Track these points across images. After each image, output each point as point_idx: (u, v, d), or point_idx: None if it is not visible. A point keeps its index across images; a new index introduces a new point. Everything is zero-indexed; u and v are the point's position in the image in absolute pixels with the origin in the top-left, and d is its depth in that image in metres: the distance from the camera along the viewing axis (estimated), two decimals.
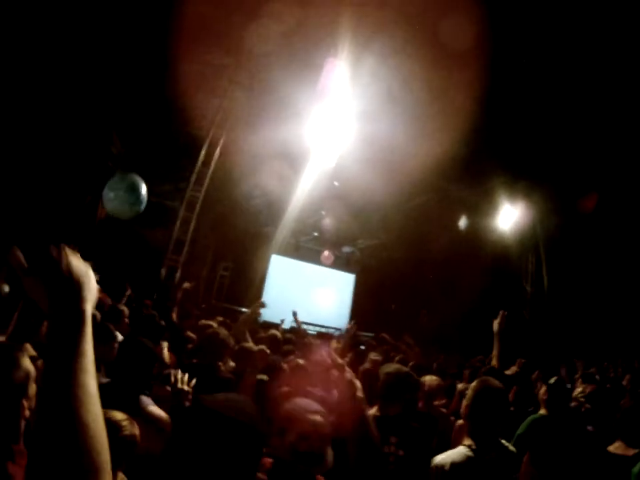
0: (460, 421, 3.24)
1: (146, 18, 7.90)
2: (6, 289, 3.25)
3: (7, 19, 6.42)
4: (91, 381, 0.83)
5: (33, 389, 1.60)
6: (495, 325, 4.15)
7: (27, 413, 1.55)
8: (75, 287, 0.93)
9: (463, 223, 13.48)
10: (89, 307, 0.93)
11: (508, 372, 5.09)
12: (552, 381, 3.75)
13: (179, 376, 2.57)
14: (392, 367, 3.35)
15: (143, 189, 4.38)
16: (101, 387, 0.87)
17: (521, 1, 8.58)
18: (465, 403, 2.47)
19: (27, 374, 1.59)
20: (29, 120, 6.92)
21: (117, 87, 8.03)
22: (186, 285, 6.16)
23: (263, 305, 5.32)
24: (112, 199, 4.37)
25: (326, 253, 14.77)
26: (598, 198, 11.67)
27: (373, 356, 4.83)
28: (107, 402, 1.94)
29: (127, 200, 4.16)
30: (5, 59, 6.45)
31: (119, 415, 1.83)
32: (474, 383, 2.54)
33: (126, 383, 2.65)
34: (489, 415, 2.32)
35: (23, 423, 1.54)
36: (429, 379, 3.99)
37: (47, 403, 0.79)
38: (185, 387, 2.54)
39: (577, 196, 11.91)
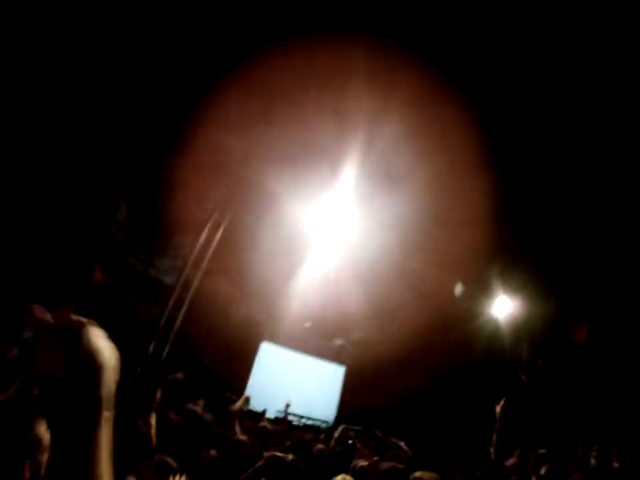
0: None
1: (160, 95, 8.33)
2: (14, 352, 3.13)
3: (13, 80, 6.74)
4: (106, 471, 0.76)
5: (42, 456, 1.48)
6: (498, 409, 4.00)
7: (27, 475, 1.42)
8: (93, 368, 0.81)
9: (458, 289, 13.42)
10: (107, 392, 0.82)
11: (508, 463, 4.85)
12: (542, 471, 3.58)
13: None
14: (387, 465, 3.21)
15: None
16: None
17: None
18: None
19: (41, 438, 1.48)
20: (40, 172, 7.07)
21: (130, 155, 8.29)
22: (179, 376, 6.00)
23: (247, 401, 5.22)
24: None
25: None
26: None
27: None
28: None
29: None
30: (14, 120, 6.69)
31: None
32: None
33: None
34: None
35: None
36: (421, 475, 3.70)
37: None
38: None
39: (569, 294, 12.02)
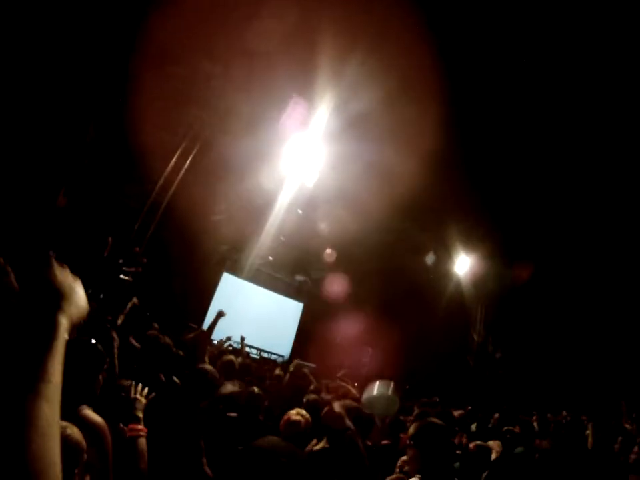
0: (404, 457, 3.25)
1: (132, 19, 7.86)
2: None
3: None
4: (52, 413, 0.65)
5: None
6: None
7: None
8: (55, 294, 0.82)
9: (430, 258, 13.81)
10: (66, 321, 0.80)
11: (455, 413, 5.20)
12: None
13: (138, 387, 2.49)
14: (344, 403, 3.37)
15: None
16: None
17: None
18: (409, 434, 2.52)
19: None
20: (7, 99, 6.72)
21: (98, 82, 7.91)
22: (134, 300, 5.94)
23: (222, 314, 5.25)
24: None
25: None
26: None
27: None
28: None
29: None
30: None
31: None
32: (417, 421, 2.60)
33: (66, 388, 2.42)
34: (432, 449, 2.38)
35: None
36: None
37: None
38: (139, 397, 2.46)
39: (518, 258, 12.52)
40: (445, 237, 13.38)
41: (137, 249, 6.65)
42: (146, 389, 2.53)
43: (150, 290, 9.52)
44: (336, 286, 14.49)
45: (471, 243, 13.23)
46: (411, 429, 2.53)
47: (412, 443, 2.46)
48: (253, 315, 14.50)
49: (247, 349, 9.41)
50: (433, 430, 2.46)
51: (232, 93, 9.86)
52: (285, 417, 3.46)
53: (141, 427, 2.37)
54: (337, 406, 3.31)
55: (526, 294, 12.69)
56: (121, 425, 2.35)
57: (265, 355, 13.63)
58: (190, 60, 9.07)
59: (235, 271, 14.71)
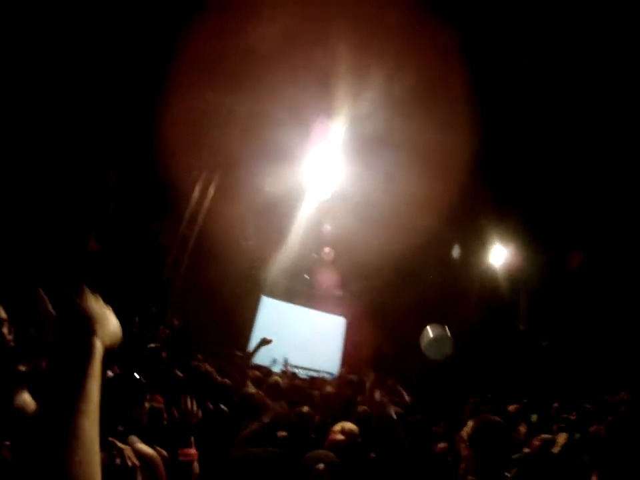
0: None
1: (144, 53, 8.08)
2: None
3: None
4: (93, 428, 0.74)
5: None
6: None
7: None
8: (86, 320, 0.91)
9: (456, 252, 13.58)
10: (100, 343, 0.89)
11: (511, 407, 5.06)
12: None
13: (188, 400, 2.53)
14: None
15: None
16: None
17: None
18: (465, 435, 2.42)
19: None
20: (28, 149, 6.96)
21: (117, 122, 8.12)
22: (175, 322, 6.05)
23: (267, 341, 5.28)
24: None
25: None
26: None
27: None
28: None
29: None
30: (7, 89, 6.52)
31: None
32: (473, 420, 2.49)
33: (114, 421, 2.48)
34: (491, 449, 2.27)
35: None
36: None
37: (37, 447, 0.69)
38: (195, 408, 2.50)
39: (562, 243, 12.15)
40: (481, 233, 13.13)
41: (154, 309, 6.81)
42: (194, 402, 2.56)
43: (191, 323, 9.67)
44: (375, 296, 14.36)
45: (508, 233, 12.95)
46: (467, 429, 2.43)
47: (468, 443, 2.37)
48: (297, 335, 14.42)
49: (295, 370, 9.39)
50: (490, 429, 2.35)
51: (249, 116, 10.01)
52: (329, 437, 3.40)
53: (193, 451, 2.39)
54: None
55: (571, 278, 12.31)
56: (158, 449, 2.38)
57: (314, 374, 13.52)
58: (205, 90, 9.26)
59: (273, 293, 14.74)
